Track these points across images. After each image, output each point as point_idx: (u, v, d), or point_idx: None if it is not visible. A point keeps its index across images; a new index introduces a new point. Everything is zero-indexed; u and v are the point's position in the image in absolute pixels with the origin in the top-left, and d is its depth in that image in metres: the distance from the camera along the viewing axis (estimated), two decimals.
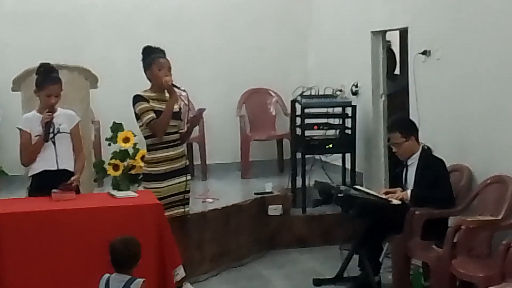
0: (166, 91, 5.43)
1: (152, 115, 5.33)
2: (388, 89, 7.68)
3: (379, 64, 7.59)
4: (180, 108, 5.55)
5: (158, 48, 5.54)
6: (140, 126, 5.46)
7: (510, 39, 5.42)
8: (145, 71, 5.49)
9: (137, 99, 5.39)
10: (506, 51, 5.46)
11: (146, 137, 5.48)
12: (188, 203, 5.62)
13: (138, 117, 5.40)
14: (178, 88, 5.41)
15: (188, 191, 5.59)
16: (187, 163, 5.63)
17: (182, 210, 5.55)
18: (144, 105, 5.35)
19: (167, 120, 5.35)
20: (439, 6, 6.36)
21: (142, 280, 4.15)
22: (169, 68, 5.44)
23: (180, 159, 5.49)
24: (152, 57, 5.44)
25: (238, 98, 8.86)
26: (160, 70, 5.39)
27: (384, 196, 5.72)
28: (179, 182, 5.47)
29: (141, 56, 5.52)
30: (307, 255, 6.89)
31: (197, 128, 8.34)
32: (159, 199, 5.29)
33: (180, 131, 5.54)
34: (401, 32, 7.19)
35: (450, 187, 5.61)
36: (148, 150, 5.48)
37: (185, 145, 5.64)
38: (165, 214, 5.33)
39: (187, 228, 5.76)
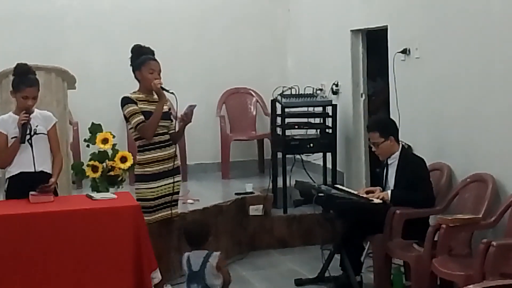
0: (154, 92, 5.38)
1: (140, 117, 5.28)
2: (369, 89, 7.70)
3: (359, 63, 7.59)
4: (169, 109, 5.51)
5: (148, 48, 5.50)
6: (129, 129, 5.42)
7: (488, 38, 5.43)
8: (133, 71, 5.43)
9: (125, 101, 5.34)
10: (485, 50, 5.48)
11: (136, 139, 5.44)
12: (177, 205, 5.59)
13: (127, 119, 5.36)
14: (167, 91, 5.36)
15: (178, 192, 5.55)
16: (179, 164, 5.58)
17: (172, 211, 5.50)
18: (133, 107, 5.30)
19: (156, 123, 5.31)
20: (419, 5, 6.36)
21: (218, 253, 4.68)
22: (159, 71, 5.40)
23: (170, 160, 5.45)
24: (143, 58, 5.39)
25: (217, 98, 8.83)
26: (151, 74, 5.34)
27: (365, 196, 5.71)
28: (170, 183, 5.43)
29: (128, 55, 5.45)
30: (288, 256, 6.87)
31: (176, 128, 8.33)
32: (149, 200, 5.27)
33: (170, 132, 5.49)
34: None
35: (430, 186, 5.61)
36: (138, 151, 5.44)
37: (176, 146, 5.58)
38: (156, 216, 5.31)
39: (172, 230, 5.72)
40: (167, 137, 5.45)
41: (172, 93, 5.38)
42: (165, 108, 5.41)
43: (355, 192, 5.87)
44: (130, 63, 5.46)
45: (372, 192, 5.81)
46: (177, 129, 5.56)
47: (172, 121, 5.52)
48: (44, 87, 5.38)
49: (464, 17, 5.72)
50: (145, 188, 5.34)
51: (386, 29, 6.83)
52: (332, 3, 8.04)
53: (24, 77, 5.11)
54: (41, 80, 5.31)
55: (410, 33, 6.46)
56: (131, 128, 5.40)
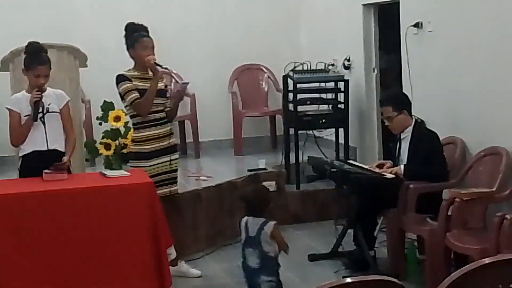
0: (149, 69, 5.38)
1: (135, 94, 5.28)
2: (382, 63, 7.66)
3: (371, 38, 7.55)
4: (165, 86, 5.51)
5: (141, 25, 5.48)
6: (125, 106, 5.42)
7: (503, 10, 5.37)
8: (128, 49, 5.43)
9: (120, 78, 5.34)
10: (499, 23, 5.42)
11: (131, 116, 5.45)
12: (176, 182, 5.58)
13: (122, 97, 5.37)
14: (161, 66, 5.35)
15: (176, 170, 5.54)
16: (175, 141, 5.58)
17: (170, 189, 5.51)
18: (127, 84, 5.30)
19: (151, 99, 5.30)
20: None
21: (274, 222, 4.72)
22: (153, 47, 5.38)
23: (167, 137, 5.45)
24: (136, 35, 5.38)
25: (229, 75, 8.80)
26: (144, 50, 5.33)
27: (378, 170, 5.70)
28: (167, 161, 5.43)
29: (123, 33, 5.45)
30: (302, 231, 6.87)
31: (188, 105, 8.36)
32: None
33: (166, 109, 5.48)
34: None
35: (443, 160, 5.58)
36: (134, 129, 5.45)
37: (172, 123, 5.57)
38: None
39: (177, 207, 5.72)
40: (162, 114, 5.44)
41: (166, 68, 5.37)
42: (161, 85, 5.41)
43: (368, 167, 5.85)
44: (124, 41, 5.43)
45: (383, 165, 5.81)
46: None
47: (167, 98, 5.51)
48: (56, 65, 5.38)
49: None
50: (143, 166, 5.33)
51: (398, 3, 6.78)
52: None
53: (35, 56, 5.11)
54: (53, 58, 5.31)
55: (423, 7, 6.40)
56: (126, 106, 5.41)
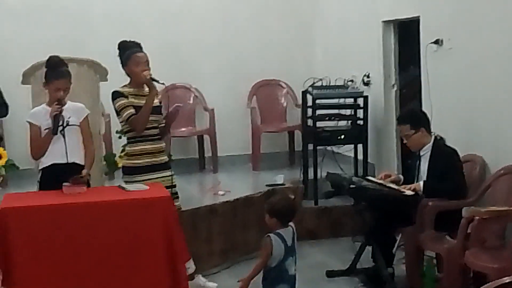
0: (145, 85, 5.37)
1: (131, 111, 5.28)
2: (401, 80, 7.65)
3: (391, 54, 7.55)
4: (160, 102, 5.48)
5: (133, 42, 5.48)
6: (120, 122, 5.43)
7: None
8: (123, 67, 5.43)
9: (115, 95, 5.35)
10: None
11: (126, 132, 5.45)
12: (176, 198, 5.50)
13: (118, 113, 5.37)
14: (157, 81, 5.34)
15: (174, 186, 5.48)
16: (167, 159, 5.54)
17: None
18: (123, 101, 5.30)
19: (147, 116, 5.29)
20: None
21: (293, 224, 4.84)
22: (147, 62, 5.37)
23: (160, 153, 5.43)
24: (128, 53, 5.38)
25: (247, 90, 8.82)
26: (137, 66, 5.33)
27: (396, 187, 5.67)
28: (160, 177, 5.40)
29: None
30: (318, 247, 6.85)
31: (207, 120, 8.38)
32: None
33: (160, 126, 5.47)
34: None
35: (462, 177, 5.56)
36: (128, 143, 5.43)
37: (164, 141, 5.55)
38: None
39: (181, 223, 5.67)
40: (156, 131, 5.43)
41: (163, 83, 5.37)
42: (156, 102, 5.38)
43: (387, 184, 5.83)
44: (119, 59, 5.45)
45: (390, 176, 5.83)
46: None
47: (162, 115, 5.50)
48: (76, 79, 5.41)
49: (496, 6, 5.65)
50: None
51: (418, 20, 6.77)
52: None
53: (56, 70, 5.16)
54: (74, 72, 5.35)
55: (442, 24, 6.40)
56: (122, 121, 5.40)
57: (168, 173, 5.47)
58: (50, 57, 5.24)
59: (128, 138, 5.45)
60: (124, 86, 5.41)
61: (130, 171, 5.38)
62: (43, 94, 5.33)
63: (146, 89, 5.38)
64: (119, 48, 5.48)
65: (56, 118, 5.07)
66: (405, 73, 7.80)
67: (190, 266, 4.93)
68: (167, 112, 5.53)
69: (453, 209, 5.49)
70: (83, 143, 5.24)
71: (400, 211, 5.58)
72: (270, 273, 4.72)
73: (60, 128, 5.10)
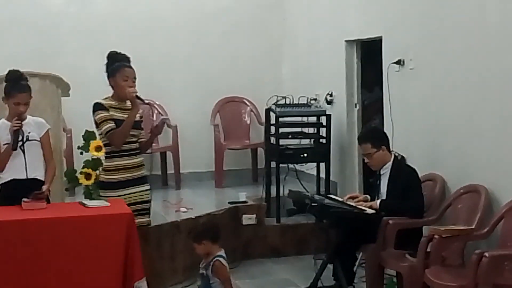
0: (129, 101, 5.34)
1: (111, 125, 5.20)
2: (364, 99, 7.71)
3: (354, 74, 7.61)
4: (141, 117, 5.42)
5: (124, 55, 5.40)
6: (99, 134, 5.37)
7: (483, 48, 5.44)
8: (108, 78, 5.36)
9: (97, 107, 5.26)
10: (480, 61, 5.48)
11: (104, 145, 5.39)
12: (148, 214, 5.44)
13: (97, 125, 5.28)
14: (142, 100, 5.29)
15: (147, 201, 5.42)
16: (145, 173, 5.46)
17: (143, 220, 5.35)
18: (104, 114, 5.22)
19: (127, 132, 5.21)
20: (413, 16, 6.38)
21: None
22: (134, 79, 5.31)
23: (138, 168, 5.35)
24: (117, 65, 5.30)
25: (212, 107, 8.83)
26: (124, 81, 5.26)
27: (357, 205, 5.70)
28: (137, 192, 5.35)
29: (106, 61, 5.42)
30: (281, 265, 6.86)
31: (170, 136, 8.36)
32: None
33: (140, 140, 5.41)
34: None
35: (420, 196, 5.60)
36: (106, 158, 5.36)
37: (143, 155, 5.46)
38: None
39: (149, 239, 5.63)
40: (135, 145, 5.34)
41: (147, 103, 5.31)
42: (136, 117, 5.31)
43: (344, 200, 5.87)
44: (105, 69, 5.38)
45: (356, 197, 5.85)
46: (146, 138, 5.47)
47: (142, 129, 5.44)
48: (39, 93, 5.37)
49: (459, 28, 5.73)
50: (106, 197, 5.24)
51: (381, 40, 6.85)
52: (328, 13, 8.06)
53: (15, 83, 5.10)
54: (36, 86, 5.30)
55: (405, 44, 6.47)
56: (100, 134, 5.32)
57: (145, 187, 5.38)
58: (10, 71, 5.18)
59: (106, 153, 5.36)
60: (106, 98, 5.32)
61: (106, 186, 5.31)
62: (4, 108, 5.26)
63: (128, 103, 5.30)
64: (108, 58, 5.39)
65: (16, 133, 5.01)
66: (368, 92, 7.88)
67: (142, 286, 4.85)
68: (153, 126, 5.47)
69: (414, 228, 5.54)
70: (44, 158, 5.18)
71: (362, 229, 5.60)
72: None
73: (20, 143, 5.04)
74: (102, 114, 5.22)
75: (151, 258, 5.44)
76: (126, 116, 5.23)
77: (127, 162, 5.30)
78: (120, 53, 5.41)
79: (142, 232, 5.40)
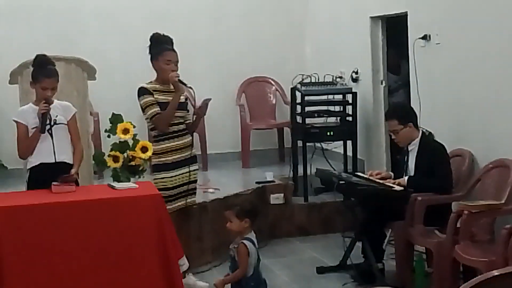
0: (171, 84, 5.36)
1: (156, 109, 5.28)
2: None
3: (379, 50, 7.55)
4: (186, 99, 5.49)
5: (167, 37, 5.45)
6: (145, 119, 5.42)
7: (509, 22, 5.37)
8: (151, 60, 5.40)
9: (142, 92, 5.33)
10: (506, 34, 5.42)
11: (151, 129, 5.46)
12: (194, 193, 5.59)
13: (143, 110, 5.36)
14: (185, 84, 5.32)
15: (195, 181, 5.54)
16: (195, 152, 5.57)
17: (191, 199, 5.53)
18: (149, 98, 5.29)
19: (171, 115, 5.30)
20: None
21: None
22: (177, 62, 5.36)
23: (186, 148, 5.45)
24: (161, 48, 5.35)
25: (236, 87, 8.83)
26: (167, 64, 5.31)
27: (385, 182, 5.68)
28: (186, 172, 5.42)
29: (144, 45, 5.40)
30: (309, 243, 6.87)
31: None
32: (169, 189, 5.27)
33: (186, 122, 5.48)
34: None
35: (448, 172, 5.56)
36: (154, 141, 5.45)
37: (191, 135, 5.56)
38: (176, 205, 5.31)
39: (192, 219, 5.73)
40: (182, 126, 5.44)
41: (190, 87, 5.35)
42: (182, 98, 5.38)
43: (368, 176, 5.85)
44: (148, 51, 5.43)
45: (379, 173, 5.84)
46: (192, 120, 5.54)
47: (188, 111, 5.51)
48: (64, 77, 5.40)
49: (485, 2, 5.66)
50: (164, 178, 5.34)
51: (406, 16, 6.78)
52: None
53: (43, 68, 5.13)
54: (61, 71, 5.33)
55: (430, 19, 6.41)
56: (146, 119, 5.40)
57: (194, 167, 5.50)
58: (37, 55, 5.21)
59: (153, 137, 5.46)
60: (150, 82, 5.39)
61: (158, 169, 5.40)
62: (31, 93, 5.30)
63: (172, 86, 5.35)
64: (151, 40, 5.43)
65: (44, 116, 5.05)
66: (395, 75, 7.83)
67: (184, 263, 4.92)
68: (197, 107, 5.50)
69: (443, 204, 5.51)
70: (72, 141, 5.22)
71: (390, 206, 5.59)
72: (249, 282, 4.68)
73: (48, 127, 5.08)
74: (147, 99, 5.28)
75: (189, 238, 5.50)
76: (170, 98, 5.29)
77: (176, 144, 5.39)
78: (163, 35, 5.45)
79: (189, 212, 5.48)
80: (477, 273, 4.99)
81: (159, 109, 5.28)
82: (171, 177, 5.36)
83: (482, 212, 4.99)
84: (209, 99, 5.56)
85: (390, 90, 7.75)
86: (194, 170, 5.52)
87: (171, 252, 4.78)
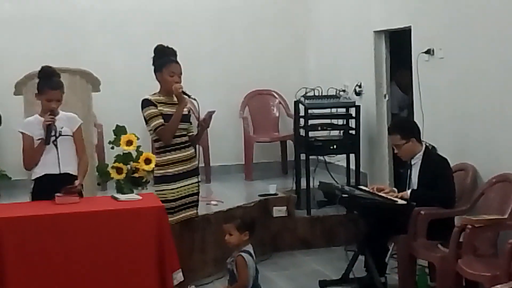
0: (175, 96, 5.38)
1: (160, 120, 5.28)
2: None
3: (382, 64, 7.57)
4: (189, 111, 5.49)
5: (171, 49, 5.45)
6: (149, 130, 5.43)
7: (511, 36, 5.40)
8: (155, 72, 5.41)
9: (145, 103, 5.33)
10: (509, 49, 5.43)
11: (154, 141, 5.46)
12: (196, 206, 5.57)
13: (146, 121, 5.35)
14: (189, 96, 5.33)
15: (197, 193, 5.54)
16: (197, 165, 5.56)
17: (192, 212, 5.51)
18: (152, 110, 5.29)
19: (175, 127, 5.30)
20: (442, 4, 6.33)
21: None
22: (180, 74, 5.37)
23: (189, 161, 5.45)
24: (164, 60, 5.36)
25: (240, 100, 8.85)
26: (171, 76, 5.33)
27: (388, 196, 5.69)
28: (189, 184, 5.43)
29: (148, 57, 5.42)
30: (311, 256, 6.86)
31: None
32: (171, 201, 5.27)
33: (189, 134, 5.49)
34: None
35: (450, 186, 5.57)
36: (157, 153, 5.45)
37: (194, 147, 5.55)
38: (177, 217, 5.31)
39: (194, 231, 5.73)
40: (185, 139, 5.43)
41: (194, 99, 5.36)
42: (185, 110, 5.39)
43: (379, 193, 5.84)
44: (152, 63, 5.44)
45: (382, 189, 5.83)
46: (196, 132, 5.55)
47: (191, 123, 5.51)
48: (69, 89, 5.42)
49: (488, 15, 5.69)
50: (166, 190, 5.33)
51: (410, 30, 6.81)
52: (353, 4, 8.03)
53: (48, 80, 5.16)
54: (66, 82, 5.35)
55: (434, 34, 6.43)
56: (150, 130, 5.40)
57: (196, 179, 5.49)
58: (43, 67, 5.24)
59: (156, 148, 5.44)
60: (154, 94, 5.38)
61: (160, 181, 5.38)
62: (36, 104, 5.32)
63: (176, 98, 5.36)
64: (155, 52, 5.44)
65: (49, 128, 5.07)
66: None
67: (177, 277, 4.90)
68: (201, 120, 5.51)
69: (446, 218, 5.51)
70: (77, 153, 5.24)
71: (393, 220, 5.59)
72: None
73: (53, 138, 5.09)
74: (150, 111, 5.28)
75: (194, 250, 5.50)
76: (174, 110, 5.29)
77: (178, 156, 5.38)
78: (167, 47, 5.46)
79: (190, 224, 5.47)
80: (480, 287, 5.00)
81: (162, 121, 5.29)
82: (172, 189, 5.35)
83: (486, 227, 4.99)
84: (213, 111, 5.57)
85: (400, 107, 7.77)
86: (196, 182, 5.51)
87: (167, 265, 4.79)
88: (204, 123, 5.50)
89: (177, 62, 5.41)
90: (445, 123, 6.28)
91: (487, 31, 5.69)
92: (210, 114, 5.52)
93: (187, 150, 5.45)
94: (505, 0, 5.48)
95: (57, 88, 5.15)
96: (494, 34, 5.61)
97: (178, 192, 5.36)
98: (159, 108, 5.30)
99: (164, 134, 5.31)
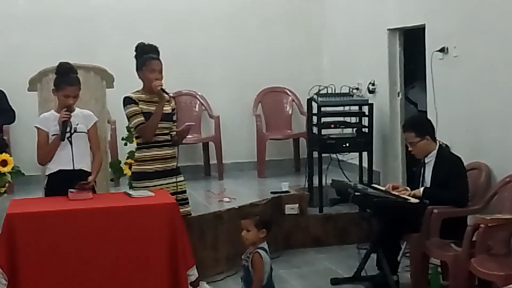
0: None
1: (140, 119, 5.24)
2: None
3: (396, 62, 7.56)
4: (173, 110, 5.43)
5: (152, 46, 5.41)
6: (130, 128, 5.40)
7: None
8: (137, 71, 5.39)
9: (127, 101, 5.30)
10: None
11: (136, 138, 5.44)
12: (187, 203, 5.50)
13: (128, 119, 5.34)
14: (167, 94, 5.28)
15: (184, 192, 5.47)
16: (176, 165, 5.45)
17: (183, 210, 5.35)
18: (133, 108, 5.26)
19: (155, 125, 5.25)
20: (456, 2, 6.31)
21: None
22: (161, 70, 5.32)
23: (169, 160, 5.39)
24: (145, 58, 5.33)
25: (253, 97, 8.85)
26: (151, 73, 5.28)
27: (401, 194, 5.67)
28: (170, 183, 5.38)
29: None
30: (324, 254, 6.87)
31: (212, 127, 8.42)
32: None
33: (171, 133, 5.43)
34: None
35: (464, 185, 5.55)
36: (137, 149, 5.41)
37: (175, 147, 5.48)
38: None
39: (190, 228, 5.67)
40: (167, 137, 5.38)
41: (172, 97, 5.34)
42: (168, 109, 5.34)
43: (386, 189, 5.84)
44: (135, 62, 5.41)
45: (397, 187, 5.82)
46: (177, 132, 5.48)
47: (174, 122, 5.46)
48: (83, 85, 5.42)
49: (502, 13, 5.66)
50: (148, 187, 5.27)
51: (424, 28, 6.79)
52: (367, 2, 8.01)
53: (65, 76, 5.17)
54: (81, 78, 5.35)
55: (448, 32, 6.40)
56: (131, 128, 5.39)
57: (177, 179, 5.40)
58: (60, 63, 5.25)
59: (137, 144, 5.43)
60: (137, 91, 5.38)
61: (139, 177, 5.36)
62: (50, 101, 5.34)
63: None
64: (136, 50, 5.44)
65: (64, 124, 5.09)
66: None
67: (193, 273, 4.90)
68: (178, 130, 5.48)
69: (459, 217, 5.50)
70: (91, 150, 5.26)
71: (405, 218, 5.58)
72: None
73: (68, 134, 5.11)
74: (131, 109, 5.27)
75: (194, 248, 5.48)
76: (154, 109, 5.26)
77: (156, 154, 5.34)
78: (148, 44, 5.43)
79: (187, 222, 5.45)
80: (493, 287, 4.98)
81: (143, 119, 5.25)
82: (154, 186, 5.28)
83: (499, 226, 4.97)
84: (192, 124, 5.51)
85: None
86: (181, 181, 5.45)
87: (181, 262, 4.79)
88: (179, 136, 5.47)
89: (158, 59, 5.36)
90: (459, 121, 6.26)
91: (502, 29, 5.66)
92: (188, 127, 5.46)
93: (167, 149, 5.39)
94: None
95: (74, 84, 5.17)
96: (508, 32, 5.58)
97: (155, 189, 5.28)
98: (140, 106, 5.27)
99: (144, 132, 5.27)
